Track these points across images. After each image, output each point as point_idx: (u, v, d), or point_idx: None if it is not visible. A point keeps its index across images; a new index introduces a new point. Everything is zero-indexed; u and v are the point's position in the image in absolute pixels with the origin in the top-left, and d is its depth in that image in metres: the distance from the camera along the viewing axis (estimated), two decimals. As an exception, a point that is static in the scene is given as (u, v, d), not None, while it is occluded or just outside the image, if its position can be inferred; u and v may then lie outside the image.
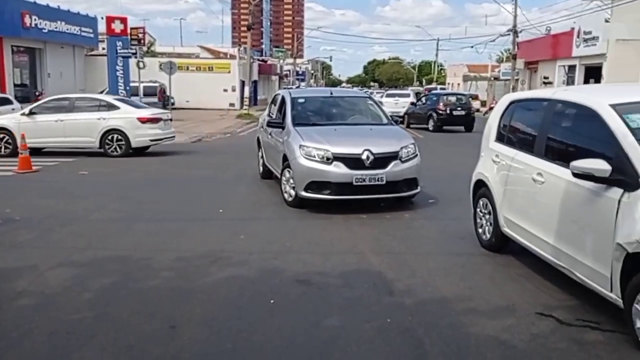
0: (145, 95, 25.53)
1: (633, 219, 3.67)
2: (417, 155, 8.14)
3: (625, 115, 4.11)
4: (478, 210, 6.26)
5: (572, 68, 30.56)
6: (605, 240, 3.92)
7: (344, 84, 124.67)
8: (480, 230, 6.21)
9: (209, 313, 4.40)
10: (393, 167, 7.73)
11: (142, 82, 25.09)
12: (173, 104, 28.15)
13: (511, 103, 5.86)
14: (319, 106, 9.45)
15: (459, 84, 58.44)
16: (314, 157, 7.69)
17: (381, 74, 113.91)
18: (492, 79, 48.27)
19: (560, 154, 4.71)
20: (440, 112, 22.58)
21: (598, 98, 4.45)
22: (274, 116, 9.75)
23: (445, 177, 10.45)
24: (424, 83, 78.44)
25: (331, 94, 9.99)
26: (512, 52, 38.33)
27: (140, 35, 26.76)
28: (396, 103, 28.54)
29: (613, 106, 4.21)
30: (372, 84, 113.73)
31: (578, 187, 4.25)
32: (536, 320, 4.21)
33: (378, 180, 7.63)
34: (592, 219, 4.13)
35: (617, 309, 3.90)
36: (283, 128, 8.74)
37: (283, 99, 9.46)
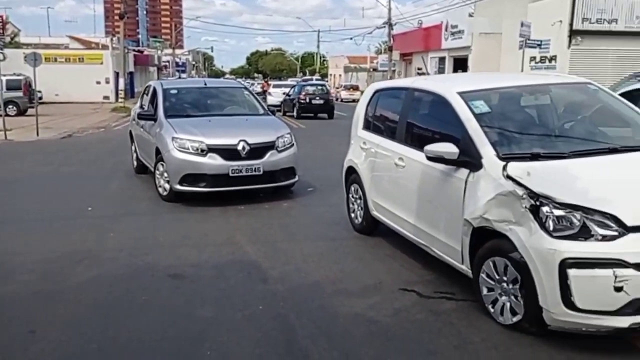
0: (8, 89, 23.43)
1: (477, 197, 4.03)
2: (293, 144, 8.28)
3: (470, 102, 4.47)
4: (350, 196, 6.51)
5: (442, 60, 32.52)
6: (455, 217, 4.26)
7: (227, 75, 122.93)
8: (352, 215, 6.47)
9: (74, 315, 4.20)
10: (270, 157, 7.79)
11: (5, 75, 23.04)
12: (40, 98, 26.17)
13: (375, 92, 6.14)
14: (192, 97, 9.27)
15: (340, 75, 59.93)
16: (188, 149, 7.56)
17: (264, 65, 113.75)
18: (371, 70, 50.07)
19: (417, 139, 5.02)
20: (302, 101, 24.61)
21: (447, 86, 4.80)
22: (145, 108, 9.42)
23: (326, 165, 10.69)
24: (307, 74, 79.41)
25: (205, 84, 9.84)
26: (388, 44, 40.01)
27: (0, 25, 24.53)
28: (283, 94, 29.64)
29: (460, 94, 4.57)
30: (255, 75, 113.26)
31: (432, 169, 4.57)
32: (399, 296, 4.49)
33: (255, 171, 7.66)
34: (445, 199, 4.46)
35: (468, 280, 4.26)
36: (155, 120, 8.48)
37: (155, 91, 9.17)
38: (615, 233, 3.36)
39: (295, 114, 24.63)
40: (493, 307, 3.97)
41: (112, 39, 43.83)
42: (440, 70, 32.13)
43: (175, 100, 8.96)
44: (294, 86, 28.83)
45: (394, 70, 39.10)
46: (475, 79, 5.15)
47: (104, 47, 43.27)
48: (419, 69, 34.83)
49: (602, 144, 4.24)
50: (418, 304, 4.33)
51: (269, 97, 30.81)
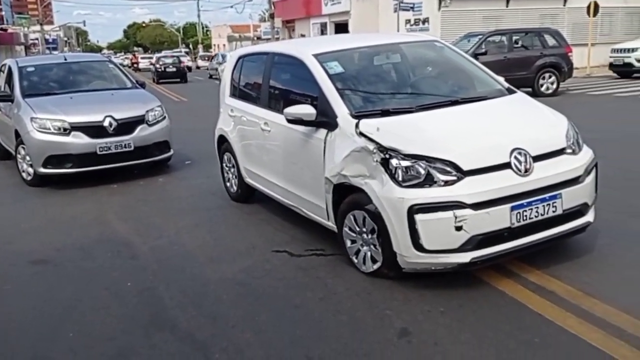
0: None
1: (335, 155, 4.18)
2: (165, 117, 8.06)
3: (324, 63, 4.59)
4: (224, 165, 6.49)
5: (324, 25, 32.79)
6: (318, 176, 4.40)
7: (104, 51, 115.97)
8: (228, 184, 6.47)
9: None
10: (140, 131, 7.54)
11: None
12: None
13: (239, 58, 6.11)
14: (51, 74, 8.66)
15: (224, 45, 58.64)
16: (49, 129, 7.12)
17: (143, 38, 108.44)
18: (255, 38, 49.50)
19: (279, 103, 5.09)
20: (159, 69, 31.90)
21: (304, 49, 4.88)
22: (2, 89, 8.71)
23: (206, 137, 10.36)
24: (190, 46, 76.93)
25: (65, 59, 9.25)
26: (270, 12, 39.62)
27: None
28: (150, 64, 37.40)
29: (315, 56, 4.67)
30: (135, 48, 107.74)
31: (294, 132, 4.66)
32: (271, 257, 4.59)
33: (125, 147, 7.39)
34: (307, 159, 4.59)
35: (335, 235, 4.44)
36: (12, 101, 7.88)
37: (10, 70, 8.49)
38: (455, 178, 3.65)
39: (154, 79, 31.37)
40: (356, 258, 4.19)
41: (-35, 16, 39.62)
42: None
43: (33, 78, 8.33)
44: (158, 58, 35.09)
45: (277, 38, 38.87)
46: (331, 41, 5.28)
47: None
48: (302, 35, 34.92)
49: (445, 97, 4.53)
50: (288, 263, 4.46)
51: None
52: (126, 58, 56.51)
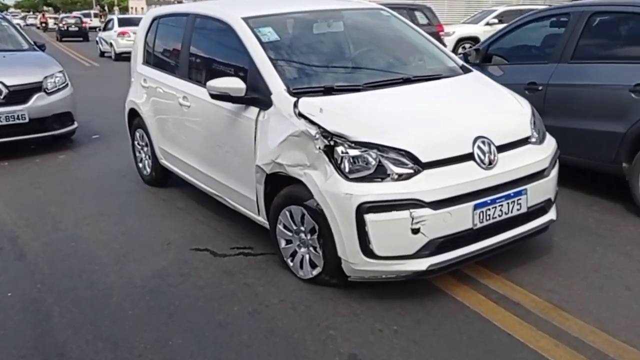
0: None
1: (268, 139, 3.50)
2: (67, 84, 7.01)
3: (257, 29, 3.87)
4: (136, 143, 5.64)
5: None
6: (248, 163, 3.71)
7: (11, 9, 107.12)
8: (140, 165, 5.63)
9: None
10: (37, 101, 6.49)
11: None
12: None
13: (154, 19, 5.23)
14: None
15: (142, 8, 55.58)
16: None
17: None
18: (176, 2, 47.04)
19: (202, 74, 4.33)
20: (62, 28, 34.12)
21: (231, 11, 4.12)
22: None
23: (119, 107, 9.33)
24: (106, 8, 72.71)
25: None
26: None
27: None
28: (55, 24, 37.76)
29: (245, 19, 3.94)
30: (45, 8, 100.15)
31: (219, 109, 3.93)
32: (190, 257, 3.88)
33: (18, 119, 6.34)
34: (235, 142, 3.88)
35: (266, 230, 3.79)
36: None
37: None
38: (411, 171, 3.08)
39: (57, 37, 33.58)
40: (292, 261, 3.57)
41: None
42: None
43: None
44: (62, 18, 36.90)
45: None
46: (264, 3, 4.54)
47: None
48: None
49: (395, 74, 3.94)
50: (211, 265, 3.77)
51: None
52: (35, 17, 53.75)
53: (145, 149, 5.44)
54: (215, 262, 3.82)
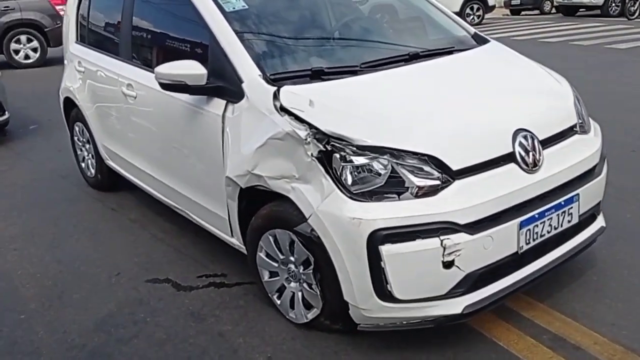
0: None
1: (241, 142, 2.63)
2: (-7, 69, 5.92)
3: (221, -5, 2.94)
4: (76, 138, 4.68)
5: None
6: (215, 172, 2.84)
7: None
8: (83, 165, 4.69)
9: None
10: (-47, 90, 5.42)
11: None
12: None
13: (87, -15, 4.23)
14: None
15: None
16: None
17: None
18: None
19: (150, 55, 3.41)
20: None
21: (183, -29, 3.17)
22: None
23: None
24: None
25: None
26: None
27: None
28: None
29: (202, -19, 3.00)
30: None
31: (174, 100, 3.03)
32: (146, 294, 3.02)
33: None
34: (197, 145, 3.00)
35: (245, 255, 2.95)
36: None
37: None
38: (437, 182, 2.28)
39: None
40: (279, 299, 2.75)
41: None
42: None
43: None
44: None
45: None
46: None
47: None
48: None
49: (398, 48, 3.10)
50: (173, 304, 2.92)
51: None
52: None
53: (87, 146, 4.49)
54: (179, 299, 2.97)
